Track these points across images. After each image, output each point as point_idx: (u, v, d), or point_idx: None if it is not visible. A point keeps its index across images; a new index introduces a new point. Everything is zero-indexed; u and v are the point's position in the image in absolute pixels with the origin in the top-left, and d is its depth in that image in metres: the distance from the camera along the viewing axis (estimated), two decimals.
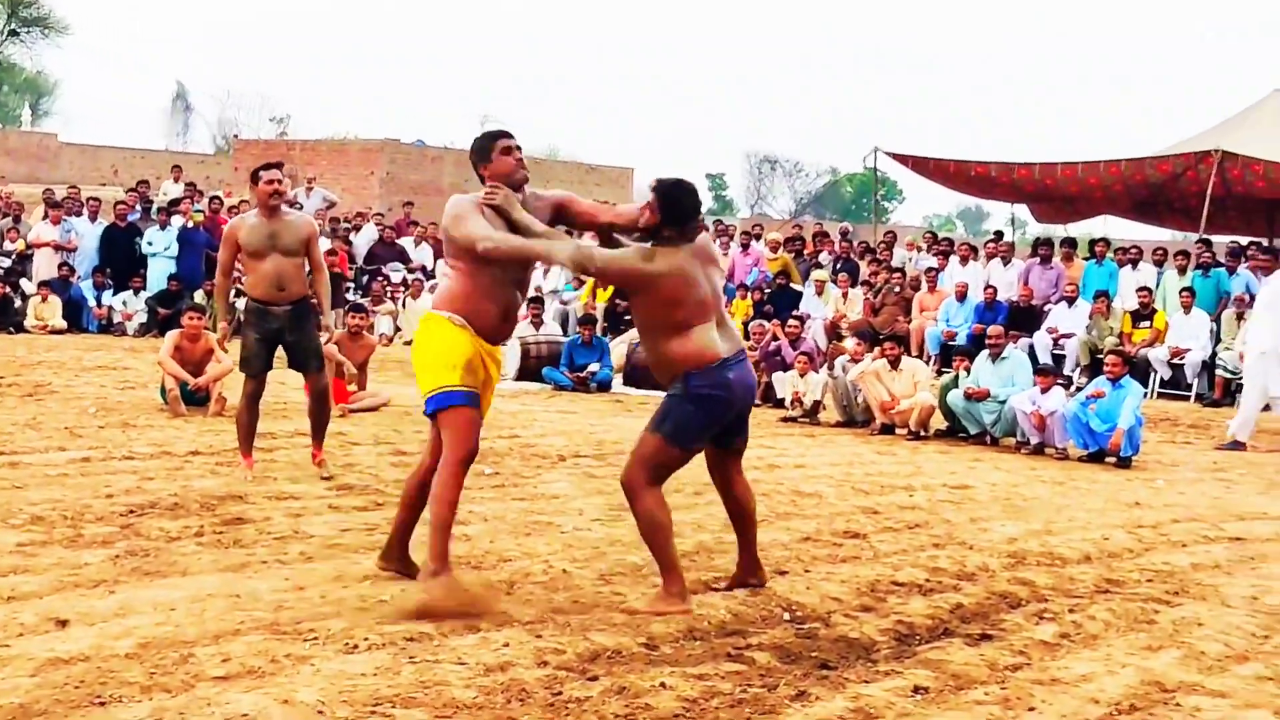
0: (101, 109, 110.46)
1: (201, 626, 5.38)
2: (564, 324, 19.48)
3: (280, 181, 8.79)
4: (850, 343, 13.42)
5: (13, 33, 51.28)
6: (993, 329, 12.55)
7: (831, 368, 13.44)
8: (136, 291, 20.06)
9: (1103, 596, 6.66)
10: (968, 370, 12.37)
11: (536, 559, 6.86)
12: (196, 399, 11.73)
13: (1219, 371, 16.81)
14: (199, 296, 19.20)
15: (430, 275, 23.01)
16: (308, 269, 8.93)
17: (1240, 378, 16.37)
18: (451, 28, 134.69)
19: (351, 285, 22.23)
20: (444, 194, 42.85)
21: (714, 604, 6.09)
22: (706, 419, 5.96)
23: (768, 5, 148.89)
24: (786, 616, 6.00)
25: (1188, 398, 16.91)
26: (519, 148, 6.04)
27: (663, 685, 4.90)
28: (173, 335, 12.21)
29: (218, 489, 8.20)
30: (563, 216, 6.19)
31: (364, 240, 23.36)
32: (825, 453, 11.41)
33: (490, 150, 5.99)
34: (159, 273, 20.32)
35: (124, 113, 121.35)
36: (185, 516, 7.42)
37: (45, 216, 21.05)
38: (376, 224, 24.09)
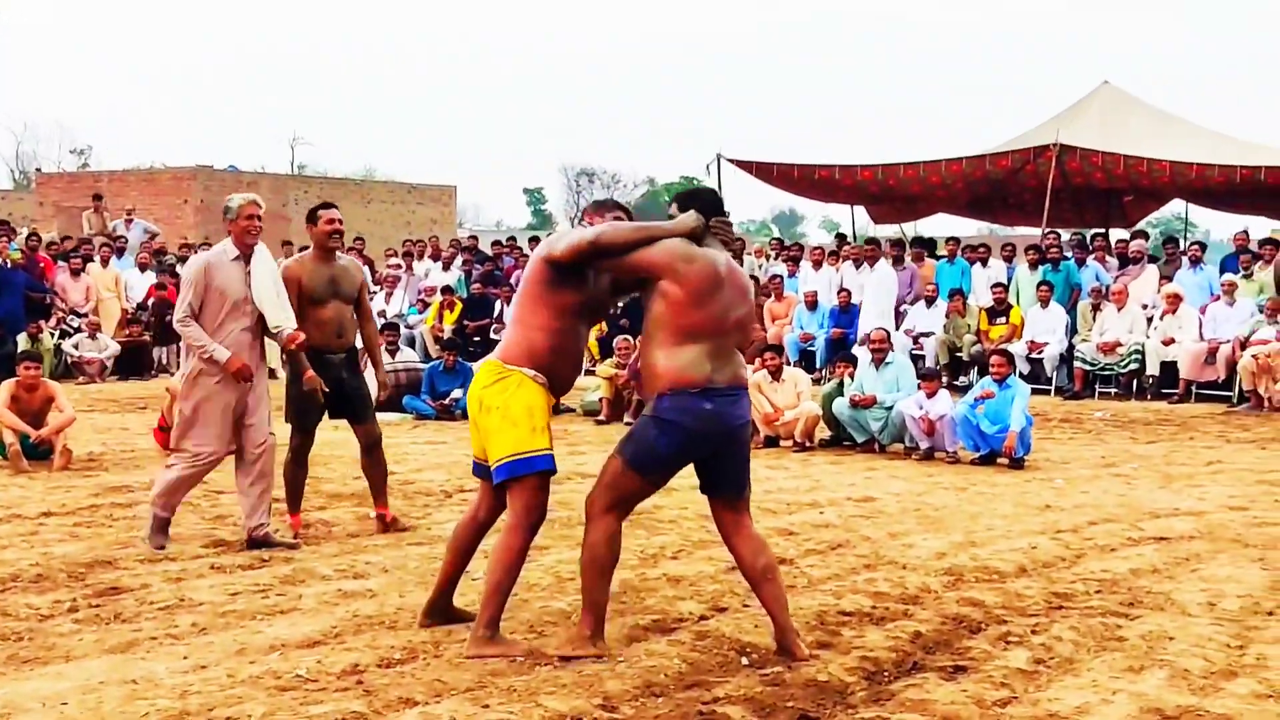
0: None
1: None
2: (412, 348, 18.82)
3: (340, 221, 8.11)
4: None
5: None
6: (875, 333, 12.29)
7: None
8: None
9: (1058, 614, 6.35)
10: (852, 377, 12.11)
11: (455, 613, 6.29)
12: (39, 453, 10.85)
13: (1077, 364, 16.91)
14: (23, 340, 18.07)
15: None
16: None
17: (1099, 369, 16.54)
18: (256, 47, 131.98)
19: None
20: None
21: (663, 652, 5.61)
22: (670, 448, 5.38)
23: (578, 14, 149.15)
24: (745, 661, 5.56)
25: (1048, 391, 16.96)
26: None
27: None
28: (7, 385, 11.29)
29: (82, 554, 7.46)
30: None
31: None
32: None
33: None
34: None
35: None
36: (53, 589, 6.68)
37: None
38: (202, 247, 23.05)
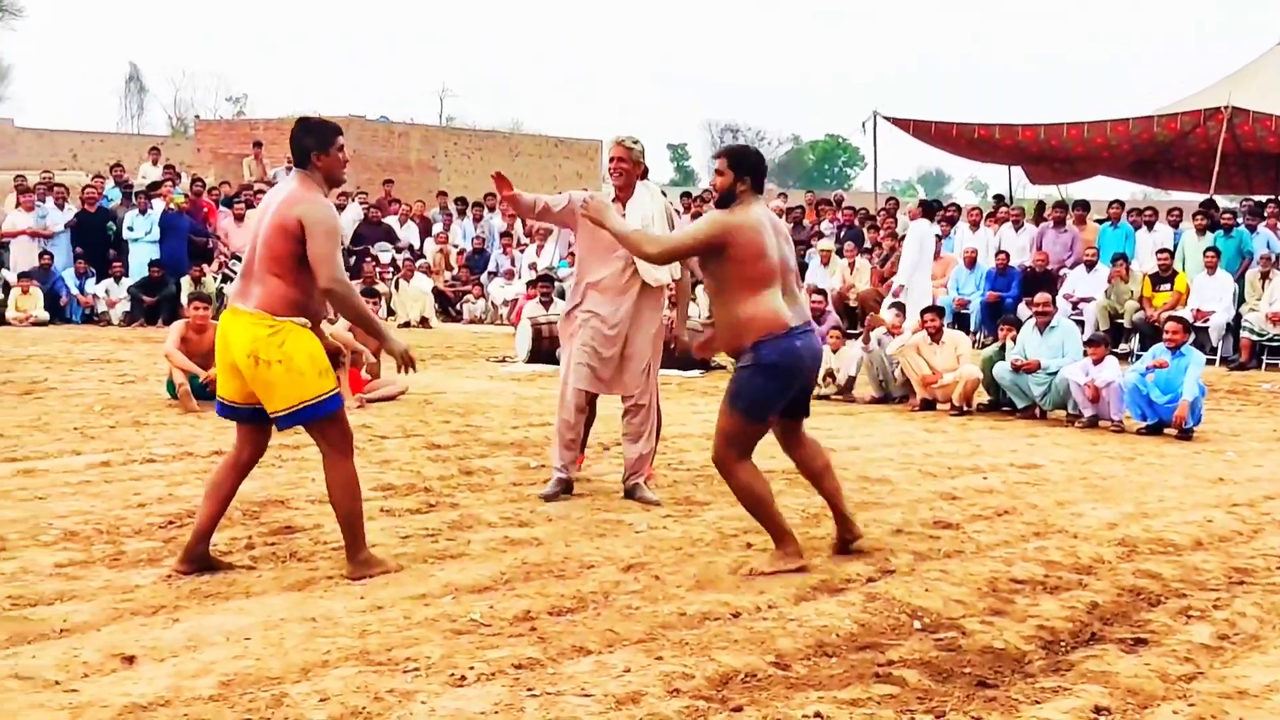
0: (55, 92, 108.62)
1: (284, 659, 4.80)
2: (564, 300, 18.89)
3: None
4: (888, 315, 12.87)
5: None
6: (1040, 297, 12.01)
7: (867, 341, 12.92)
8: (118, 279, 19.35)
9: (1240, 589, 6.16)
10: (1014, 340, 11.86)
11: (620, 563, 6.31)
12: (207, 393, 11.07)
13: (1244, 334, 16.40)
14: (186, 284, 18.55)
15: (418, 255, 22.40)
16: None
17: (1267, 339, 16.02)
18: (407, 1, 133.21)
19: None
20: (411, 170, 42.25)
21: (833, 612, 5.55)
22: (779, 388, 6.01)
23: None
24: (917, 625, 5.47)
25: (1213, 362, 16.45)
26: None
27: (818, 716, 4.37)
28: (178, 326, 11.59)
29: (255, 493, 7.60)
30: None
31: (349, 220, 22.64)
32: (873, 432, 10.89)
33: (330, 144, 5.85)
34: (140, 259, 19.62)
35: (78, 96, 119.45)
36: (229, 526, 6.81)
37: (17, 204, 20.24)
38: (361, 203, 23.40)
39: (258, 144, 26.34)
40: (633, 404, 7.82)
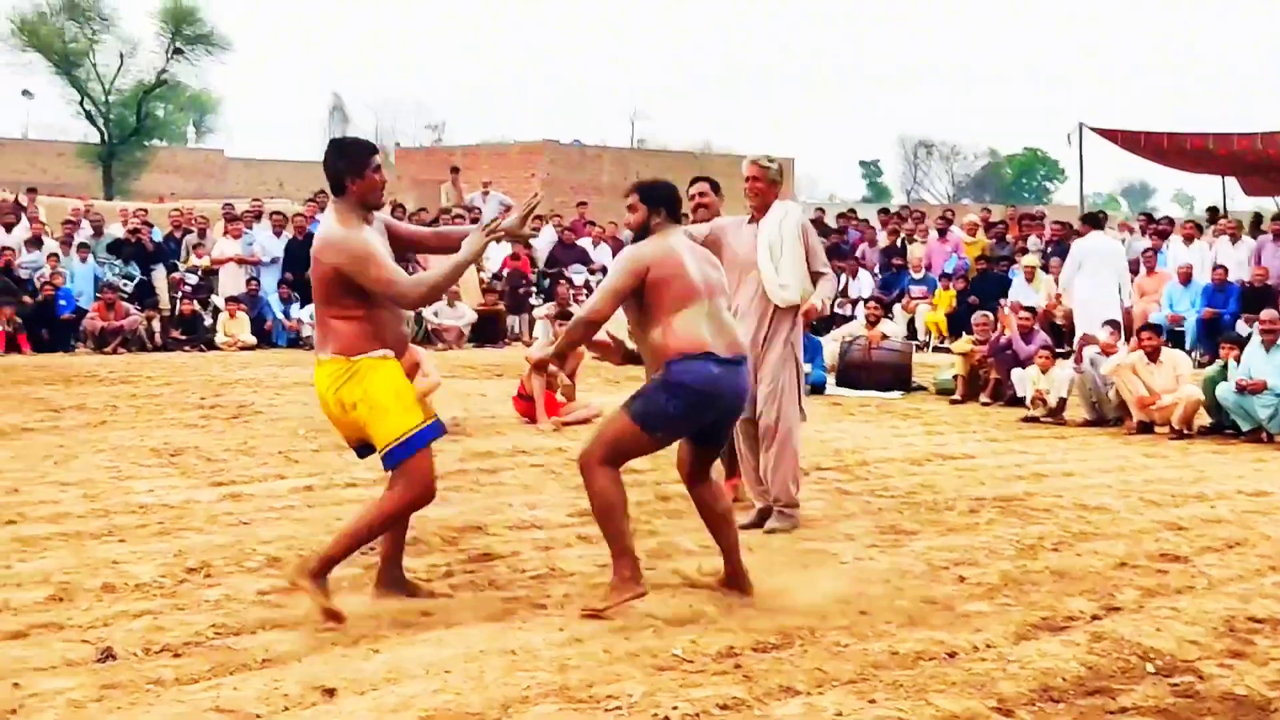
0: (262, 123, 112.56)
1: (484, 694, 4.67)
2: None
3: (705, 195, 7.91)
4: (1103, 334, 12.33)
5: (177, 51, 51.96)
6: (1266, 314, 11.37)
7: (1079, 361, 12.40)
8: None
9: None
10: (1237, 360, 11.24)
11: (825, 597, 6.04)
12: None
13: None
14: None
15: None
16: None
17: None
18: (596, 25, 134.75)
19: (534, 289, 21.71)
20: (604, 193, 42.51)
21: (1058, 653, 5.22)
22: (682, 409, 5.67)
23: None
24: (1149, 668, 5.10)
25: None
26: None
27: None
28: None
29: (453, 518, 7.55)
30: (391, 237, 5.76)
31: (543, 242, 22.81)
32: (1087, 457, 10.41)
33: (364, 166, 5.52)
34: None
35: (284, 126, 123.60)
36: (428, 553, 6.77)
37: (225, 232, 20.85)
38: (555, 225, 23.53)
39: (454, 169, 26.71)
40: (765, 426, 7.55)
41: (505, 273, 21.47)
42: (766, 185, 7.47)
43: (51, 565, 6.39)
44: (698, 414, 5.72)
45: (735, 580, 6.05)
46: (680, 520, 7.65)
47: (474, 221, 22.71)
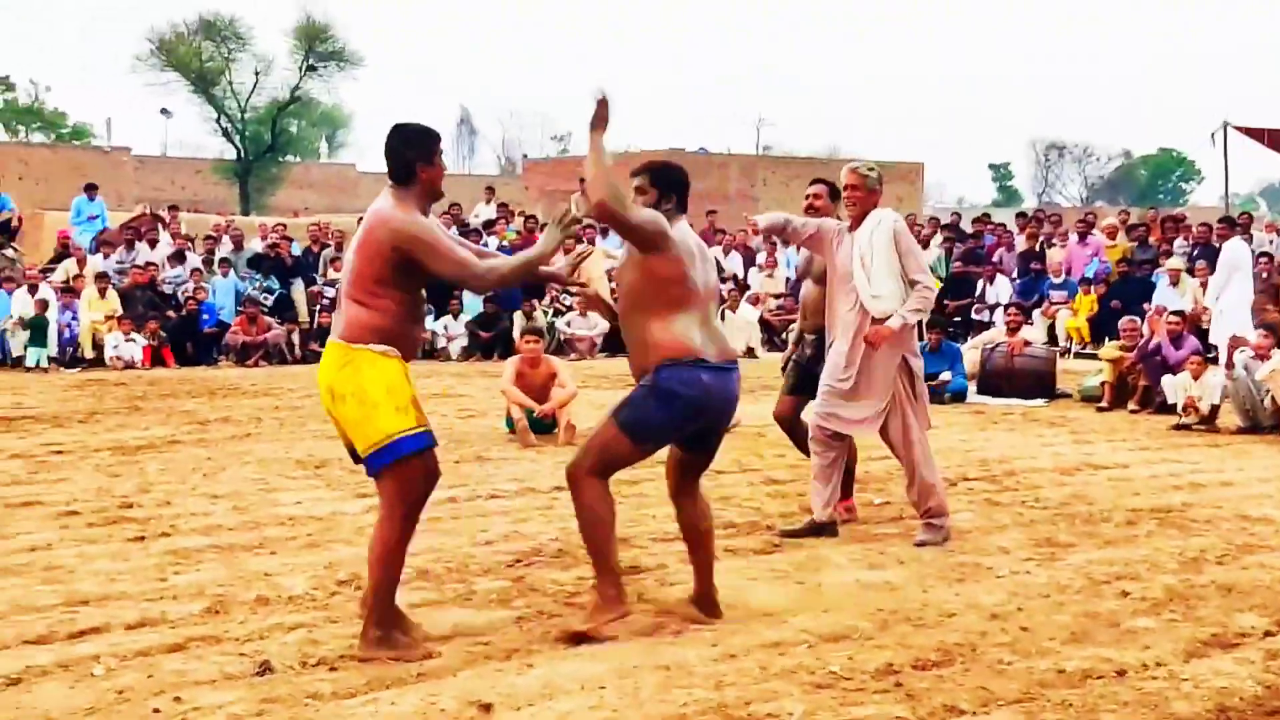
0: None
1: (641, 710, 4.62)
2: None
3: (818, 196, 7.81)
4: (1254, 336, 11.93)
5: (310, 68, 53.00)
6: None
7: (1231, 367, 12.01)
8: (455, 315, 19.91)
9: None
10: None
11: (984, 612, 5.89)
12: (543, 426, 11.18)
13: None
14: (518, 318, 18.97)
15: (743, 285, 22.30)
16: None
17: None
18: (719, 31, 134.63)
19: None
20: (730, 200, 42.45)
21: (1233, 672, 5.03)
22: (671, 418, 5.40)
23: None
24: None
25: None
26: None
27: None
28: (513, 361, 11.73)
29: None
30: None
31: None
32: (1244, 466, 10.06)
33: (434, 153, 5.33)
34: (476, 295, 20.13)
35: None
36: (574, 565, 6.73)
37: None
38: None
39: (584, 180, 26.76)
40: (893, 441, 7.37)
41: None
42: (865, 194, 7.30)
43: (206, 578, 6.46)
44: (686, 422, 5.46)
45: (704, 601, 5.79)
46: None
47: (604, 232, 22.76)
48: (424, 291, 5.37)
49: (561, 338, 19.63)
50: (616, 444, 5.43)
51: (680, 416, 5.42)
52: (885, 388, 7.26)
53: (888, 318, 7.13)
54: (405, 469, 5.13)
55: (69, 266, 19.80)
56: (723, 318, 19.89)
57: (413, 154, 5.24)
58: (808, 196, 7.86)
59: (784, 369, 8.31)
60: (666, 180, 5.58)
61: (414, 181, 5.23)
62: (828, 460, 7.45)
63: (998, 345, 14.80)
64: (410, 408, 5.12)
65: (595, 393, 14.43)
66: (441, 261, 5.09)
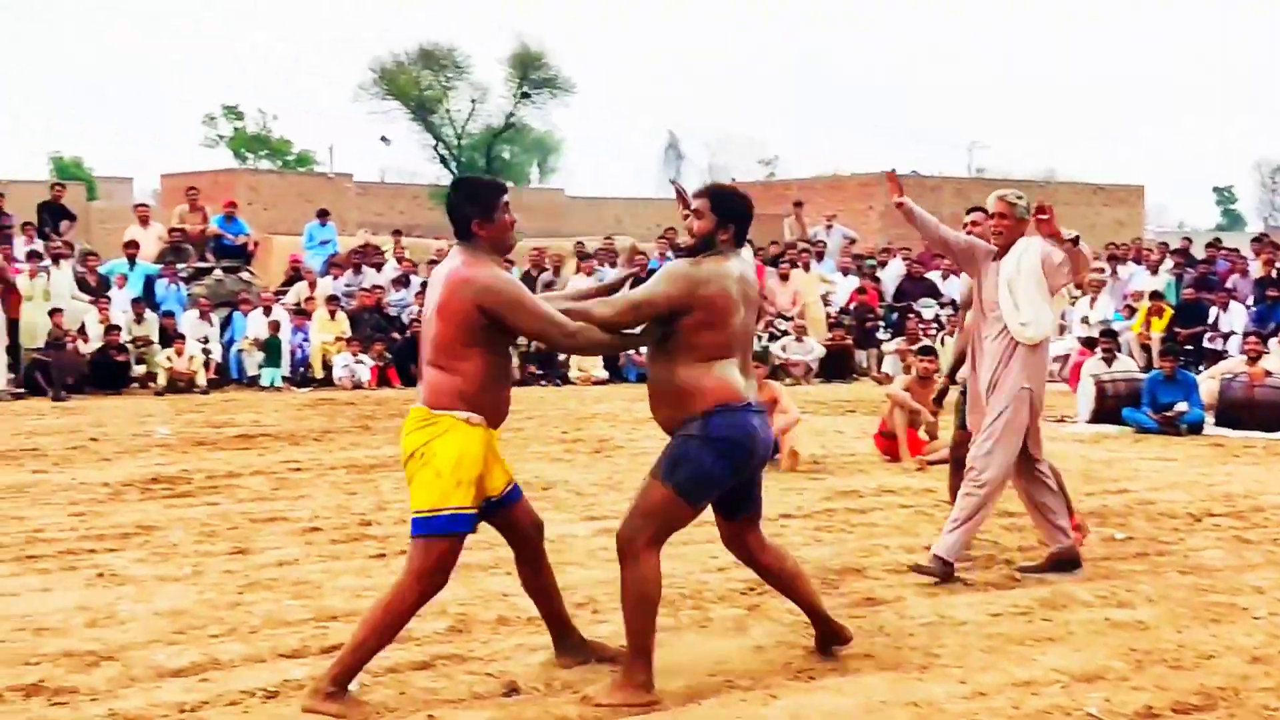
0: (601, 162, 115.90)
1: None
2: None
3: None
4: None
5: (524, 95, 54.06)
6: None
7: None
8: None
9: None
10: None
11: (1243, 654, 5.63)
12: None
13: None
14: None
15: (959, 308, 21.90)
16: None
17: None
18: (928, 56, 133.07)
19: (881, 323, 21.40)
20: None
21: None
22: (726, 470, 5.03)
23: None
24: None
25: None
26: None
27: None
28: None
29: (829, 559, 7.44)
30: None
31: (891, 276, 22.50)
32: None
33: (494, 207, 5.05)
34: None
35: (621, 165, 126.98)
36: None
37: (577, 269, 21.39)
38: (903, 259, 23.17)
39: (797, 204, 26.70)
40: (968, 464, 7.12)
41: (852, 307, 21.27)
42: (1014, 222, 7.08)
43: (446, 596, 6.49)
44: (738, 472, 5.12)
45: (830, 636, 5.53)
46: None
47: (819, 256, 22.65)
48: (511, 351, 5.20)
49: (776, 362, 19.55)
50: (674, 508, 5.06)
51: (735, 466, 5.09)
52: (999, 413, 7.03)
53: (1034, 345, 6.98)
54: (437, 545, 4.97)
55: (300, 289, 20.50)
56: (942, 343, 19.56)
57: (471, 210, 5.03)
58: (965, 225, 7.77)
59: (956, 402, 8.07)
60: (726, 207, 5.18)
61: (474, 239, 5.03)
62: (1038, 495, 7.26)
63: (1237, 376, 14.22)
64: (469, 487, 4.95)
65: (813, 419, 14.32)
66: (528, 318, 4.94)
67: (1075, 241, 6.78)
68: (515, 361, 19.27)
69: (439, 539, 4.92)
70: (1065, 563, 7.16)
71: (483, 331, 4.91)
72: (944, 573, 6.93)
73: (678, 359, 5.05)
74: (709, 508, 5.27)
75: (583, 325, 5.09)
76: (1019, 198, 7.13)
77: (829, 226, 24.48)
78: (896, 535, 8.11)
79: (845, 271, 22.50)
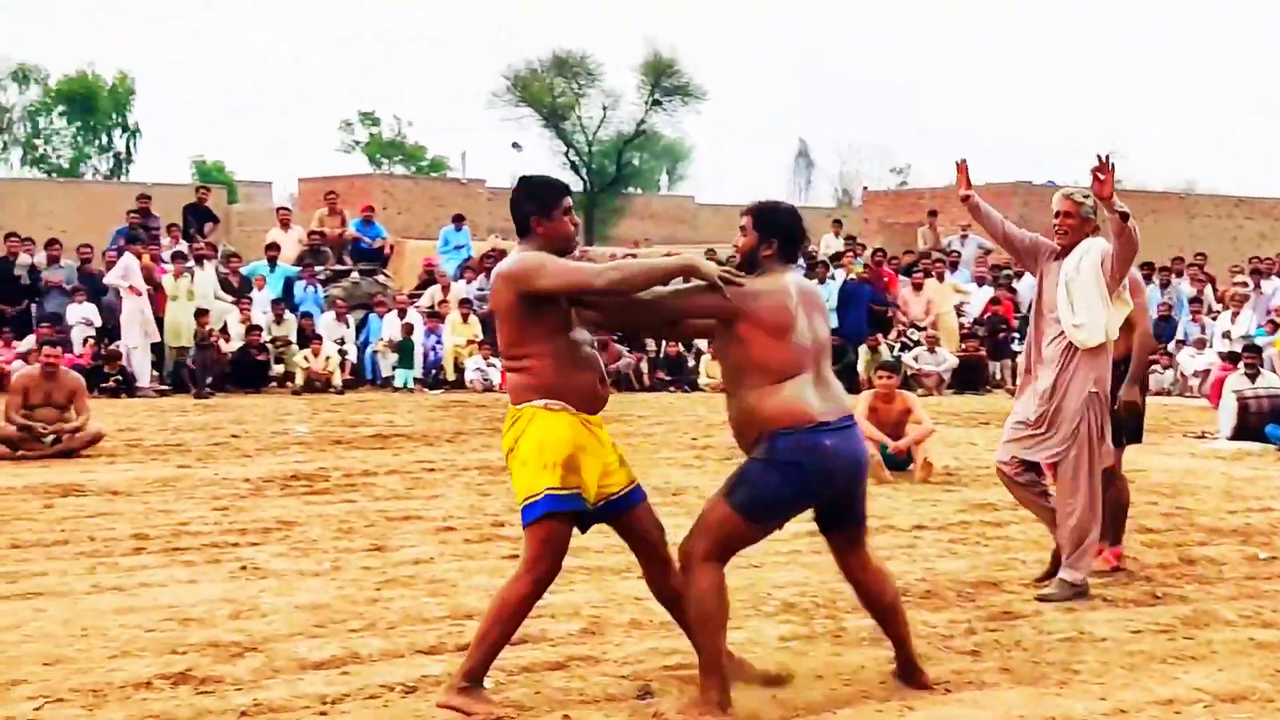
0: (730, 169, 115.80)
1: None
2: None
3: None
4: None
5: (656, 102, 54.22)
6: None
7: None
8: None
9: None
10: None
11: None
12: (899, 463, 11.02)
13: None
14: (863, 353, 18.85)
15: None
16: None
17: None
18: (1064, 60, 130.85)
19: (1016, 335, 21.09)
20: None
21: None
22: (794, 493, 4.89)
23: None
24: None
25: None
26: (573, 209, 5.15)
27: None
28: (866, 396, 11.62)
29: (965, 572, 7.36)
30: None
31: (1027, 286, 22.11)
32: None
33: (553, 207, 5.04)
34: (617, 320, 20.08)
35: (749, 172, 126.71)
36: (945, 608, 6.60)
37: None
38: None
39: (932, 213, 26.45)
40: (1061, 479, 6.88)
41: (986, 317, 21.00)
42: (1079, 222, 6.84)
43: (580, 599, 6.62)
44: (814, 494, 4.97)
45: (910, 675, 5.26)
46: (1210, 587, 7.13)
47: (953, 266, 22.41)
48: (583, 334, 5.07)
49: (908, 373, 19.37)
50: (731, 525, 4.92)
51: (808, 489, 4.94)
52: (1075, 422, 6.77)
53: (1094, 349, 6.73)
54: (541, 530, 4.90)
55: (434, 293, 20.81)
56: None
57: (530, 207, 5.05)
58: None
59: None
60: (768, 223, 5.04)
61: (532, 235, 5.05)
62: (1026, 496, 7.13)
63: None
64: (556, 468, 4.86)
65: (947, 430, 14.17)
66: (549, 278, 4.85)
67: (1125, 218, 6.57)
68: (641, 364, 19.41)
69: (541, 524, 4.88)
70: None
71: (533, 319, 4.91)
72: (1077, 593, 6.78)
73: (746, 380, 4.95)
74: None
75: (611, 264, 5.08)
76: (1085, 196, 6.89)
77: (964, 236, 24.15)
78: (1033, 550, 7.97)
79: (980, 281, 22.23)
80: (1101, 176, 6.54)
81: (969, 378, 19.80)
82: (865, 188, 57.37)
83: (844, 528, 5.18)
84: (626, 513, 5.14)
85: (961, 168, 7.37)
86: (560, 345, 4.94)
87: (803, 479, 4.87)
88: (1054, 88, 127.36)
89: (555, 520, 4.87)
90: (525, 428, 4.91)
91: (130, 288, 17.88)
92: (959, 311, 21.31)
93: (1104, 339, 6.79)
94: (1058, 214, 6.93)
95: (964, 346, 20.31)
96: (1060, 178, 46.86)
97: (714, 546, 4.93)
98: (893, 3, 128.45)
